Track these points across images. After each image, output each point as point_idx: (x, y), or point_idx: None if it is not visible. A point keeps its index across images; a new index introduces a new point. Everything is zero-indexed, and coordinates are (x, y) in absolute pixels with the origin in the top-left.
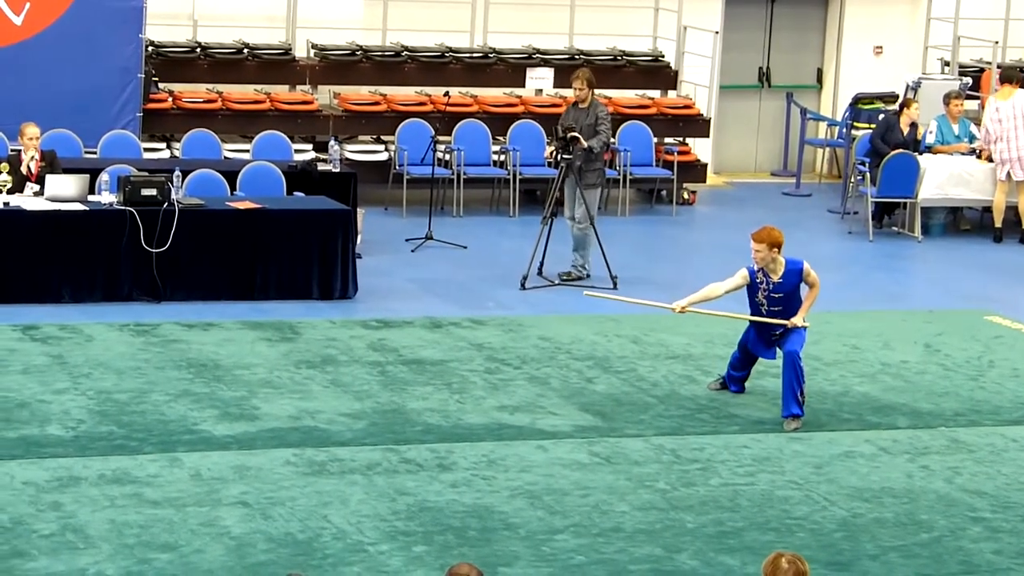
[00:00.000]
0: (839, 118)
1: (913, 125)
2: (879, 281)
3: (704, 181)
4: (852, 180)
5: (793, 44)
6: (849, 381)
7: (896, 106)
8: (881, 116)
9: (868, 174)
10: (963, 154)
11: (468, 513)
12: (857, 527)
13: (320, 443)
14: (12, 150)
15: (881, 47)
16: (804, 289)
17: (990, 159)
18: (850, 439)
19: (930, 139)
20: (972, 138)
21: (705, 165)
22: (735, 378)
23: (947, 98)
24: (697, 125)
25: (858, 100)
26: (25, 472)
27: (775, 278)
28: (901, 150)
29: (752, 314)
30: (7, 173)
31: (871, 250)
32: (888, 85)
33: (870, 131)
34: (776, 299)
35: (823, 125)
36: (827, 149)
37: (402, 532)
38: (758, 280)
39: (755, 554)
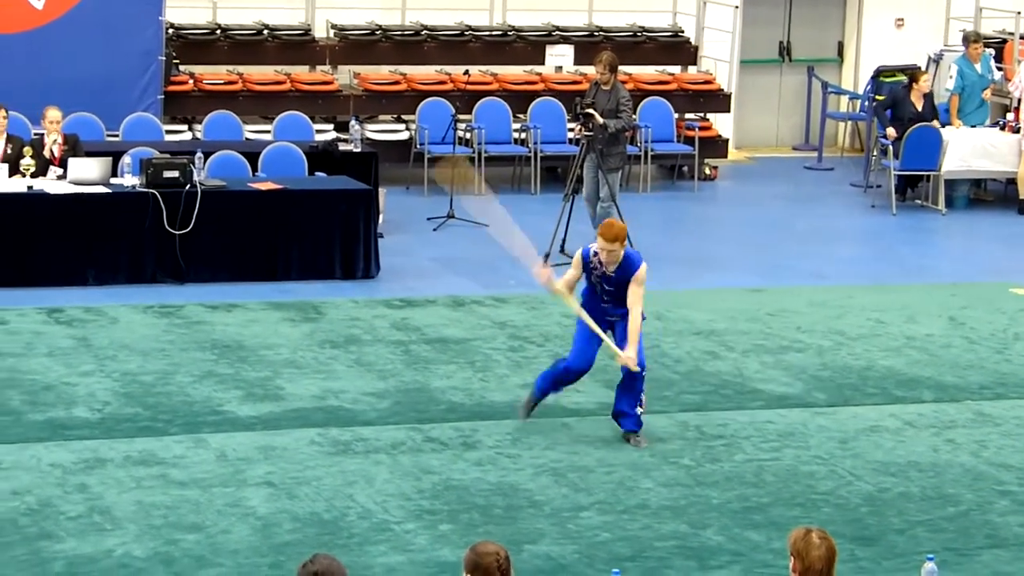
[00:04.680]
0: (861, 91)
1: (927, 96)
2: (903, 254)
3: (725, 156)
4: (874, 153)
5: (814, 18)
6: (873, 355)
7: (905, 79)
8: (888, 90)
9: (891, 147)
10: (987, 126)
11: (493, 491)
12: (883, 502)
13: (345, 423)
14: (35, 134)
15: (903, 19)
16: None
17: (1015, 130)
18: (875, 413)
19: (950, 84)
20: (992, 78)
21: (726, 140)
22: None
23: (967, 40)
24: (718, 100)
25: (880, 73)
26: (52, 454)
27: (610, 270)
28: (923, 123)
29: (588, 291)
30: (30, 157)
31: (894, 223)
32: (910, 58)
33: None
34: (608, 289)
35: (845, 99)
36: (849, 123)
37: (427, 511)
38: (592, 265)
39: (781, 529)
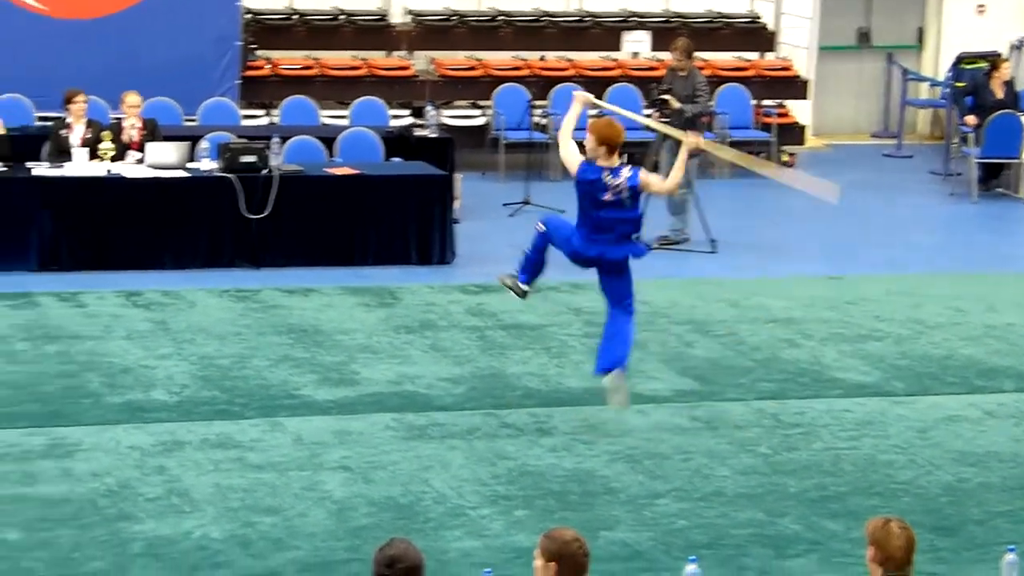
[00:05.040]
0: (941, 78)
1: (1008, 84)
2: (983, 243)
3: (803, 143)
4: (954, 141)
5: (894, 4)
6: (953, 344)
7: (986, 66)
8: (969, 77)
9: (971, 135)
10: None
11: (568, 477)
12: (963, 492)
13: (420, 408)
14: (114, 118)
15: (984, 6)
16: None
17: None
18: (955, 403)
19: None
20: None
21: (804, 127)
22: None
23: None
24: (796, 87)
25: (961, 60)
26: (130, 437)
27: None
28: (1004, 111)
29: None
30: (109, 141)
31: (974, 212)
32: (991, 44)
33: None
34: (608, 188)
35: (924, 86)
36: (929, 110)
37: (503, 496)
38: (591, 164)
39: (858, 519)
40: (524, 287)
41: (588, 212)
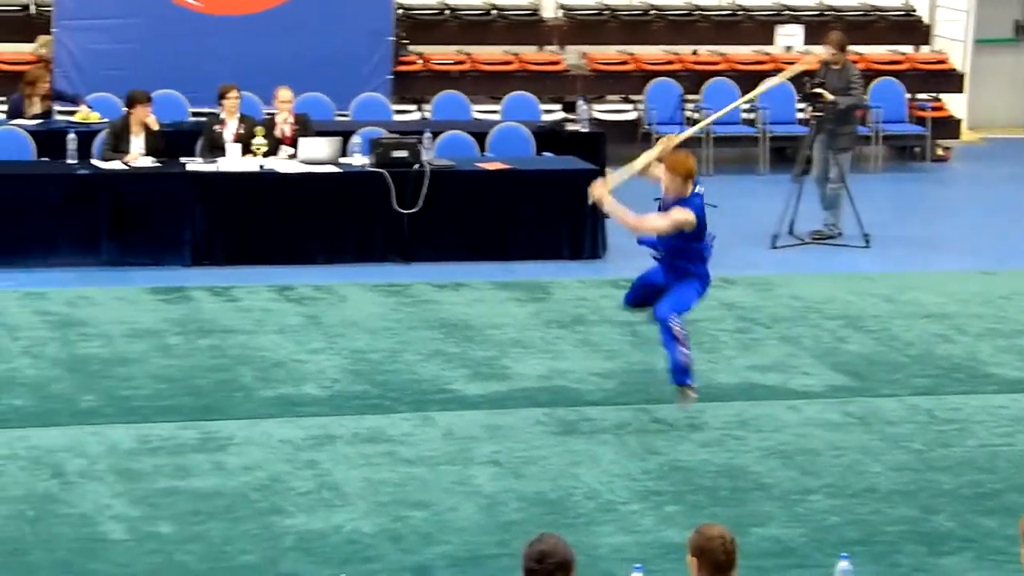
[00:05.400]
0: None
1: None
2: None
3: (958, 137)
4: None
5: None
6: None
7: None
8: None
9: None
10: None
11: (720, 473)
12: None
13: (571, 403)
14: (266, 114)
15: None
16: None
17: None
18: None
19: None
20: None
21: (959, 121)
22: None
23: None
24: (951, 80)
25: None
26: (282, 430)
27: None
28: None
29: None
30: (262, 137)
31: None
32: None
33: None
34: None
35: None
36: None
37: (653, 492)
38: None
39: (1014, 516)
40: (692, 387)
41: (694, 242)
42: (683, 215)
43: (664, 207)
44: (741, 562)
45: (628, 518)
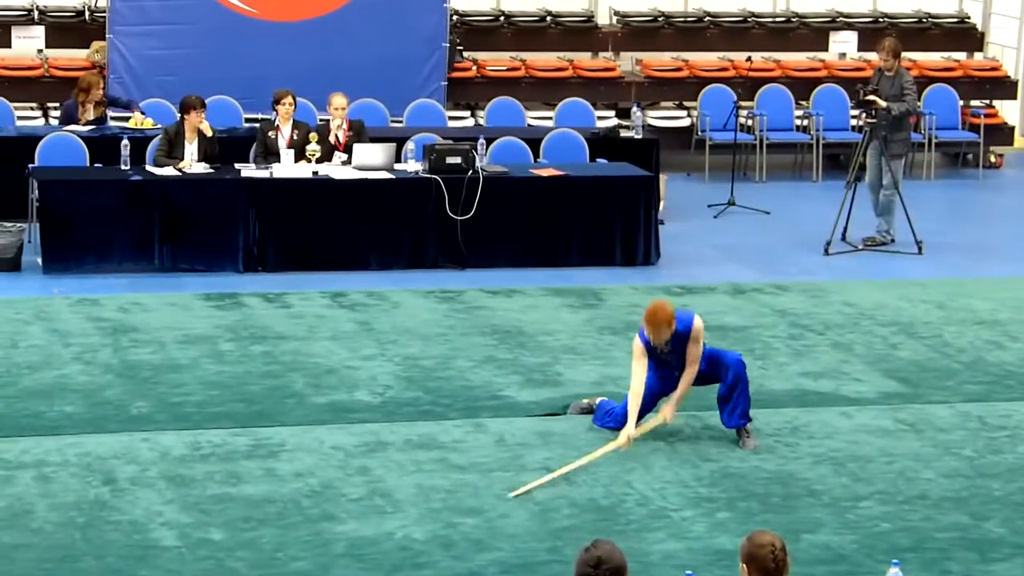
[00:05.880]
0: None
1: None
2: None
3: (1012, 144)
4: None
5: None
6: None
7: None
8: None
9: None
10: None
11: (771, 479)
12: None
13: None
14: (321, 120)
15: None
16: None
17: None
18: None
19: None
20: None
21: (1013, 128)
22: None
23: None
24: (1004, 87)
25: None
26: (334, 437)
27: (667, 349)
28: None
29: (653, 363)
30: (316, 143)
31: None
32: None
33: None
34: (670, 359)
35: None
36: None
37: (705, 498)
38: (652, 346)
39: None
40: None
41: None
42: (697, 349)
43: (671, 358)
44: (792, 569)
45: (680, 524)
